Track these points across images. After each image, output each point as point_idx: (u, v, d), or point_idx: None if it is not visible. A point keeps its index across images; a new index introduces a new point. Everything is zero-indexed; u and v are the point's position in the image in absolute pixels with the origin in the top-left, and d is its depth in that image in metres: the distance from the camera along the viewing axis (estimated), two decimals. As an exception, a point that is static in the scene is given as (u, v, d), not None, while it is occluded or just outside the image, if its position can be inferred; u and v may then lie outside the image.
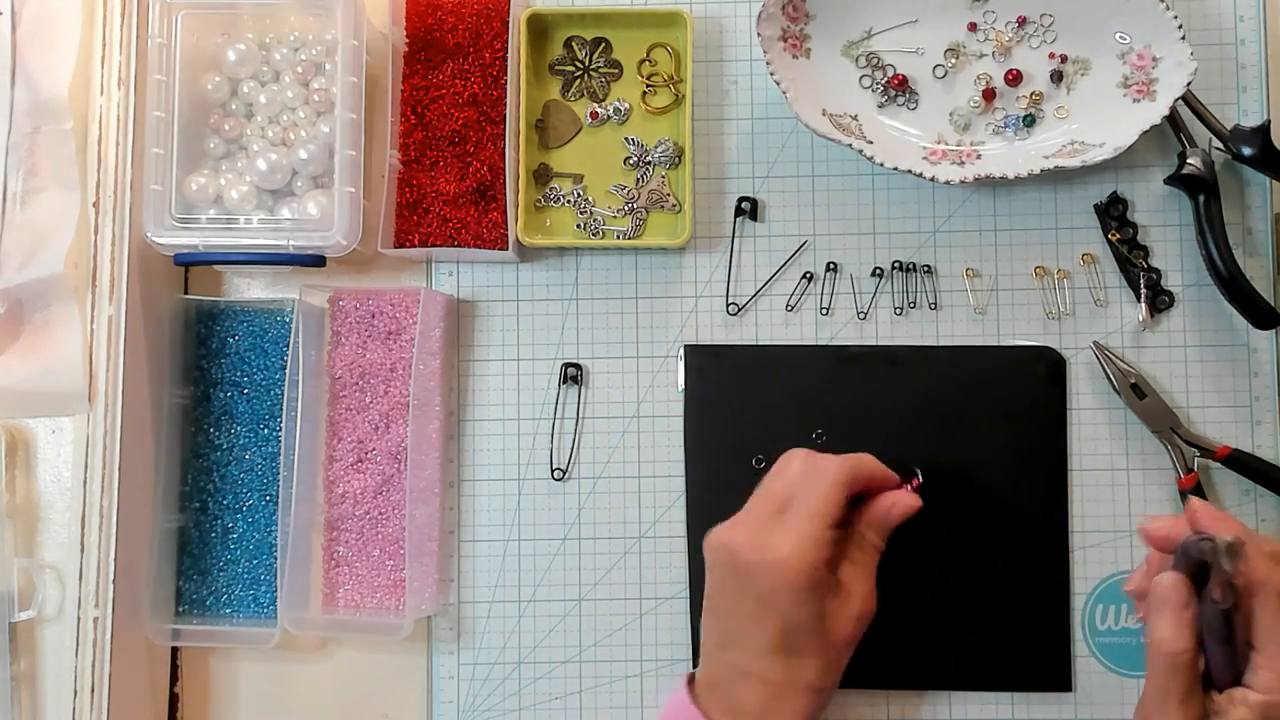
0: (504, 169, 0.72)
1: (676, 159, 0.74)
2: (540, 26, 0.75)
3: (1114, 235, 0.73)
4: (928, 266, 0.74)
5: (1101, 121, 0.71)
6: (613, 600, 0.73)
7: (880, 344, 0.74)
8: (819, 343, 0.74)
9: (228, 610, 0.74)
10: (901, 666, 0.71)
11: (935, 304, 0.74)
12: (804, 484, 0.60)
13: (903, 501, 0.63)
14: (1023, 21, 0.73)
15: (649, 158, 0.74)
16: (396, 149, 0.74)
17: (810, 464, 0.61)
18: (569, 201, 0.75)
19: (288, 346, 0.73)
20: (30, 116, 0.69)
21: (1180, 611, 0.53)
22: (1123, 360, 0.72)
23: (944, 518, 0.71)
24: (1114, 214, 0.73)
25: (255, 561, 0.74)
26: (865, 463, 0.62)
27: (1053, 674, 0.71)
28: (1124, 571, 0.72)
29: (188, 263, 0.73)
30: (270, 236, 0.71)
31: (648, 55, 0.75)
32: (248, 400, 0.75)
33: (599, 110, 0.75)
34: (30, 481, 0.69)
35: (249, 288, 0.77)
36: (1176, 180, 0.71)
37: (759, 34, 0.69)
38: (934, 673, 0.71)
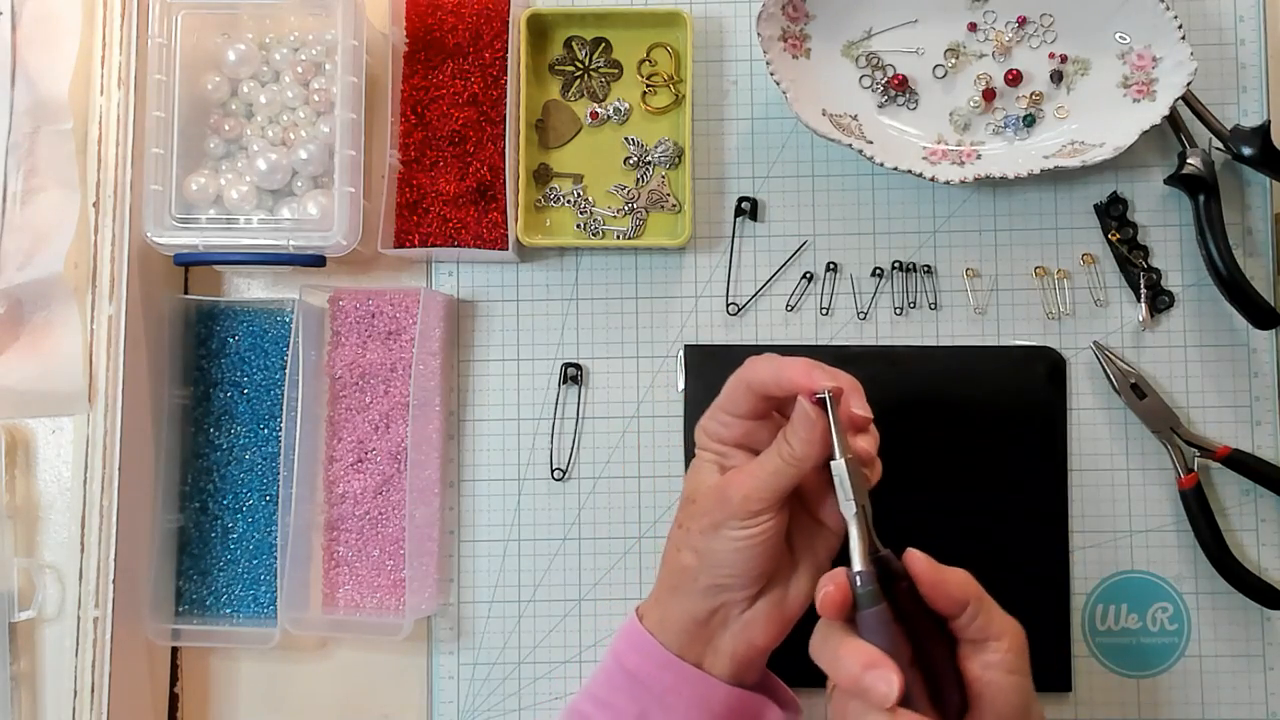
0: (504, 169, 0.72)
1: (676, 159, 0.74)
2: (540, 26, 0.75)
3: (1114, 235, 0.73)
4: (928, 266, 0.74)
5: (1101, 121, 0.71)
6: (613, 600, 0.73)
7: (880, 344, 0.74)
8: (819, 343, 0.74)
9: (228, 610, 0.74)
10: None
11: (935, 304, 0.74)
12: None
13: (792, 418, 0.55)
14: (1023, 21, 0.73)
15: (649, 158, 0.74)
16: (396, 149, 0.74)
17: (751, 359, 0.58)
18: (569, 201, 0.75)
19: (288, 346, 0.73)
20: (30, 116, 0.69)
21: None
22: (1123, 360, 0.72)
23: (943, 517, 0.71)
24: (1114, 214, 0.73)
25: (255, 561, 0.74)
26: (763, 373, 0.56)
27: (1052, 674, 0.71)
28: (1124, 571, 0.72)
29: (188, 263, 0.73)
30: (270, 236, 0.71)
31: (648, 55, 0.75)
32: (248, 400, 0.75)
33: (599, 110, 0.75)
34: (30, 481, 0.69)
35: (249, 288, 0.77)
36: (1176, 180, 0.71)
37: (759, 34, 0.69)
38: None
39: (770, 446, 0.56)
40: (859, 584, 0.50)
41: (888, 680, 0.47)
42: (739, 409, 0.58)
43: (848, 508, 0.52)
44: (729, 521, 0.55)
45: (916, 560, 0.50)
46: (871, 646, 0.48)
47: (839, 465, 0.52)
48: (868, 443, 0.55)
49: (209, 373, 0.75)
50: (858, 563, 0.50)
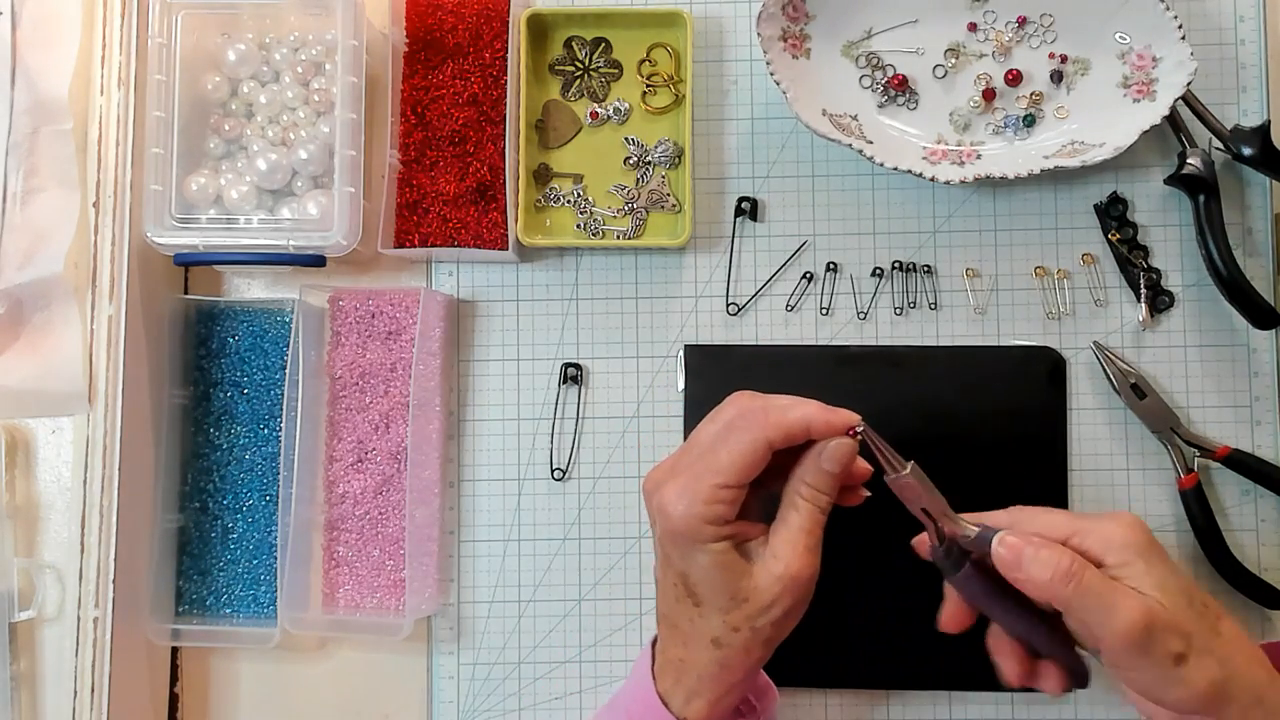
0: (504, 169, 0.72)
1: (676, 159, 0.74)
2: (540, 26, 0.75)
3: (1114, 235, 0.73)
4: (928, 266, 0.74)
5: (1101, 121, 0.71)
6: (613, 600, 0.73)
7: (880, 344, 0.74)
8: (819, 343, 0.74)
9: (228, 610, 0.74)
10: (903, 667, 0.71)
11: (935, 304, 0.74)
12: (726, 435, 0.54)
13: (831, 449, 0.55)
14: (1023, 21, 0.73)
15: (649, 158, 0.74)
16: (396, 149, 0.74)
17: (741, 414, 0.55)
18: (569, 201, 0.75)
19: (288, 346, 0.73)
20: (30, 116, 0.69)
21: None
22: (1123, 360, 0.72)
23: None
24: (1114, 214, 0.73)
25: (255, 561, 0.74)
26: (793, 423, 0.54)
27: (1053, 674, 0.71)
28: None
29: (188, 263, 0.73)
30: (270, 236, 0.71)
31: (648, 55, 0.75)
32: (248, 400, 0.75)
33: (599, 110, 0.75)
34: (30, 481, 0.69)
35: (249, 288, 0.77)
36: (1176, 180, 0.71)
37: (759, 34, 0.69)
38: (934, 673, 0.71)
39: (793, 509, 0.55)
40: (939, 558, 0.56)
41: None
42: (758, 469, 0.54)
43: (930, 508, 0.56)
44: (807, 600, 0.55)
45: (998, 556, 0.54)
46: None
47: (912, 469, 0.56)
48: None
49: (209, 373, 0.75)
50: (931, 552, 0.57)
